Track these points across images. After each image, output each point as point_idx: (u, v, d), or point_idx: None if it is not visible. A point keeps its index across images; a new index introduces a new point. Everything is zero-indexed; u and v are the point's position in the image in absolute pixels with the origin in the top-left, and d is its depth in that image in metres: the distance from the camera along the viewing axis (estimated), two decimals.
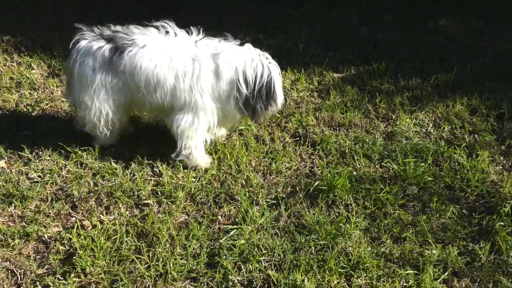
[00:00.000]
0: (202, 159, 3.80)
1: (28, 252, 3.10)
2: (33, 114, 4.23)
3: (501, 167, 3.99)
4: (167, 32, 3.66)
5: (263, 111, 3.66)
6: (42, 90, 4.54)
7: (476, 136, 4.30)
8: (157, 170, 3.73)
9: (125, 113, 3.81)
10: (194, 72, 3.51)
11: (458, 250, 3.21)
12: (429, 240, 3.26)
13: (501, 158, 4.07)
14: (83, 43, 3.58)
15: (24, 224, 3.26)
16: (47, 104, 4.37)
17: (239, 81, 3.53)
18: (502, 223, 3.37)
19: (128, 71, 3.49)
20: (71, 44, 3.60)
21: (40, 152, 3.80)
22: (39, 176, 3.63)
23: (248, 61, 3.55)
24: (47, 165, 3.71)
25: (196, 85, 3.52)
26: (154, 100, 3.57)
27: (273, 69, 3.61)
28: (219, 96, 3.60)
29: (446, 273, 3.06)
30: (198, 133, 3.67)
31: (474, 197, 3.65)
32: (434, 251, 3.17)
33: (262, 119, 3.93)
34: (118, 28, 3.67)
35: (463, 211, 3.54)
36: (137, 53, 3.48)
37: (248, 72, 3.53)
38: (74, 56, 3.57)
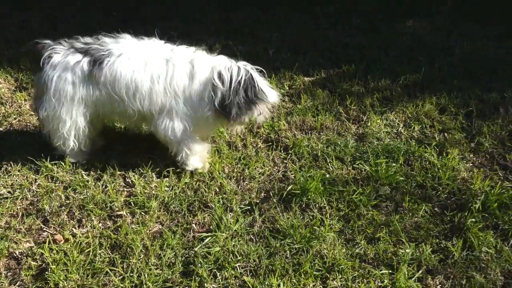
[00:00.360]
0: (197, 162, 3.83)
1: None
2: (1, 129, 4.16)
3: (471, 164, 4.04)
4: (141, 38, 3.65)
5: (245, 111, 3.57)
6: (10, 105, 4.47)
7: (446, 134, 4.36)
8: (130, 180, 3.70)
9: (101, 124, 3.86)
10: (167, 73, 3.49)
11: (431, 248, 3.25)
12: (403, 239, 3.29)
13: (470, 156, 4.13)
14: (56, 57, 3.51)
15: None
16: (15, 119, 4.31)
17: (214, 78, 3.47)
18: (473, 220, 3.42)
19: (109, 81, 3.46)
20: (42, 59, 3.51)
21: (9, 167, 3.74)
22: (9, 192, 3.57)
23: (223, 63, 3.52)
24: (16, 180, 3.65)
25: (170, 86, 3.49)
26: (135, 107, 3.52)
27: (252, 71, 3.56)
28: (190, 98, 3.54)
29: (420, 271, 3.09)
30: (181, 135, 3.64)
31: (445, 195, 3.70)
32: (407, 250, 3.20)
33: (247, 121, 3.73)
34: (88, 39, 3.63)
35: (435, 209, 3.58)
36: (115, 62, 3.45)
37: (223, 72, 3.48)
38: (50, 71, 3.48)
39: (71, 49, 3.54)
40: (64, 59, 3.49)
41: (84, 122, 3.61)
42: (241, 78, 3.49)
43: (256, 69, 3.63)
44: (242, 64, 3.57)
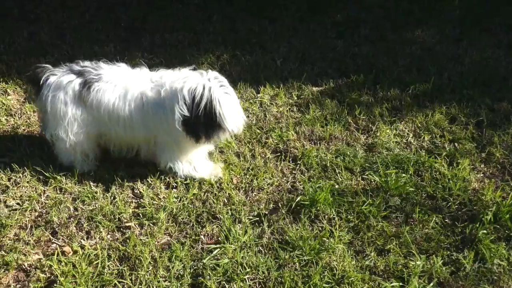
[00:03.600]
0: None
1: (8, 282, 3.04)
2: (10, 140, 4.16)
3: (482, 175, 4.01)
4: (137, 67, 3.79)
5: (209, 135, 3.54)
6: (19, 116, 4.49)
7: (456, 144, 4.32)
8: (138, 191, 3.69)
9: (98, 143, 3.89)
10: (143, 107, 3.57)
11: (442, 260, 3.21)
12: (413, 251, 3.26)
13: (481, 166, 4.09)
14: (53, 78, 3.63)
15: (3, 253, 3.20)
16: (24, 130, 4.31)
17: (178, 103, 3.45)
18: (485, 231, 3.38)
19: (95, 105, 3.58)
20: (41, 82, 3.63)
21: (18, 179, 3.74)
22: (18, 204, 3.57)
23: (187, 85, 3.47)
24: (25, 192, 3.65)
25: (146, 119, 3.60)
26: (119, 133, 3.67)
27: (218, 92, 3.44)
28: (168, 128, 3.57)
29: (431, 284, 3.06)
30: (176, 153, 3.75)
31: (456, 206, 3.66)
32: (418, 262, 3.17)
33: (214, 142, 3.80)
34: (87, 63, 3.75)
35: (446, 220, 3.55)
36: (102, 88, 3.57)
37: (186, 95, 3.44)
38: (46, 92, 3.62)
39: (68, 71, 3.68)
40: (58, 79, 3.63)
41: (84, 140, 3.71)
42: (203, 102, 3.42)
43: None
44: (213, 83, 3.48)
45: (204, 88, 3.41)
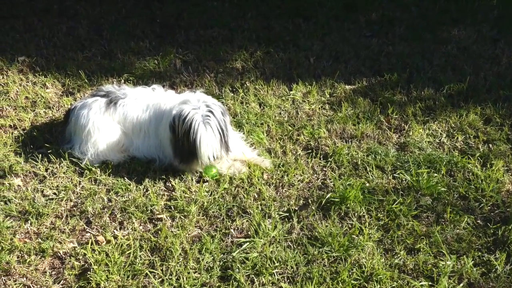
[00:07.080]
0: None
1: (44, 268, 3.13)
2: (48, 132, 4.28)
3: None
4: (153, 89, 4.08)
5: (186, 158, 3.74)
6: (57, 109, 4.60)
7: (490, 145, 4.27)
8: (170, 185, 3.75)
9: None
10: (157, 120, 3.89)
11: (473, 261, 3.18)
12: (444, 251, 3.24)
13: None
14: (78, 103, 4.03)
15: (40, 240, 3.30)
16: (61, 122, 4.42)
17: (170, 126, 3.70)
18: None
19: (121, 119, 3.94)
20: (69, 114, 4.05)
21: (55, 170, 3.85)
22: (54, 193, 3.68)
23: (179, 110, 3.65)
24: (62, 182, 3.75)
25: (157, 131, 3.91)
26: (140, 142, 3.98)
27: (198, 122, 3.58)
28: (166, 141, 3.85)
29: (461, 284, 3.03)
30: None
31: (489, 207, 3.62)
32: (448, 262, 3.15)
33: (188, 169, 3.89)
34: (110, 87, 4.10)
35: (478, 221, 3.51)
36: (127, 104, 3.93)
37: (176, 119, 3.64)
38: (71, 116, 3.99)
39: (92, 95, 4.07)
40: (84, 101, 3.99)
41: (110, 151, 3.96)
42: (184, 127, 3.61)
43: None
44: (199, 108, 3.64)
45: (188, 115, 3.60)
